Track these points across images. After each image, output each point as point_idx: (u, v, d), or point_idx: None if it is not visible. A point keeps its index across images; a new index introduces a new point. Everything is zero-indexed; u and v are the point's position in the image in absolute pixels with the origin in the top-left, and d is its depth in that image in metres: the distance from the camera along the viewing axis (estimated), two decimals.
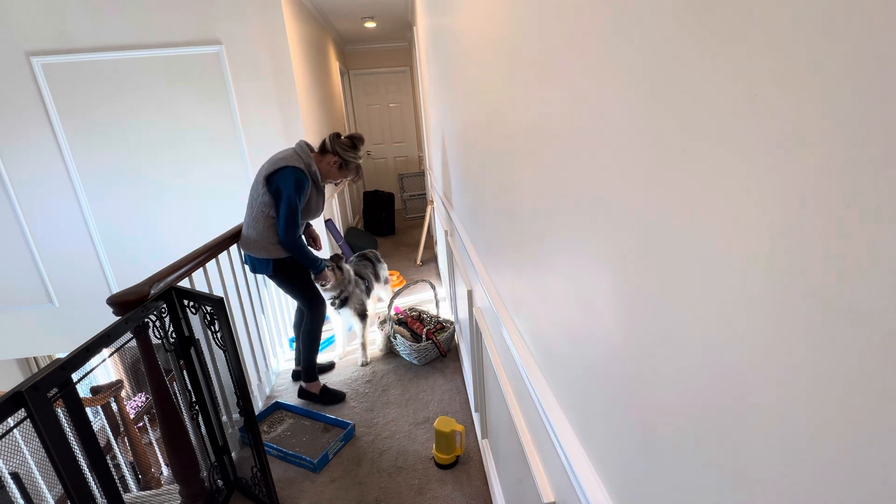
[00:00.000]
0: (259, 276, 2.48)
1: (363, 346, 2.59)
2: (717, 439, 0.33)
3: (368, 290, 2.65)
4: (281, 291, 2.84)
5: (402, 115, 6.46)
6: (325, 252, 2.89)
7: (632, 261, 0.42)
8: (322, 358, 2.55)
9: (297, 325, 2.39)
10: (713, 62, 0.29)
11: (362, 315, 2.53)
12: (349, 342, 2.77)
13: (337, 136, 2.05)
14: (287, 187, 1.87)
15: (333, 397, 2.27)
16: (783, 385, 0.26)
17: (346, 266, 2.43)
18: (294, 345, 2.83)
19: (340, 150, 2.03)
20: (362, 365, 2.58)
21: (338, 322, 2.63)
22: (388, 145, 6.58)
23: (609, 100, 0.43)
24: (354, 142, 2.07)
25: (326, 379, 2.46)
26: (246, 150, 3.24)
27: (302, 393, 2.31)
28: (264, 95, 3.16)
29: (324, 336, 2.67)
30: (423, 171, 5.88)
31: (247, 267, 2.26)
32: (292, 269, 2.07)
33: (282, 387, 2.46)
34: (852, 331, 0.21)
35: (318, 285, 2.22)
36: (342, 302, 2.41)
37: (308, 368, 2.24)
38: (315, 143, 3.05)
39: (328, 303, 2.36)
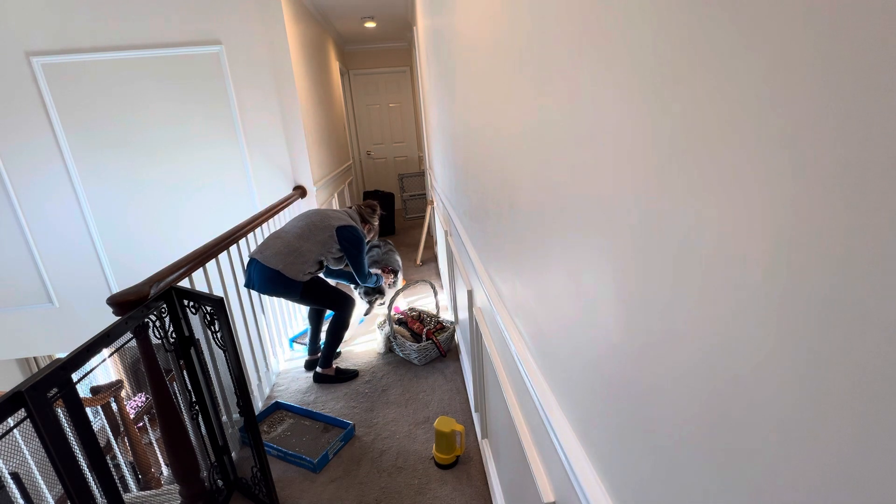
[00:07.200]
0: None
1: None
2: (717, 439, 0.33)
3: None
4: None
5: (402, 115, 6.46)
6: None
7: (631, 261, 0.42)
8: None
9: (313, 317, 2.58)
10: (713, 62, 0.29)
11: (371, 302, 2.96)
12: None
13: (369, 207, 2.62)
14: (359, 244, 2.36)
15: (347, 375, 2.48)
16: (784, 385, 0.26)
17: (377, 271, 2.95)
18: (293, 345, 2.85)
19: (372, 221, 2.58)
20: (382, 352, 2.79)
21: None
22: (388, 145, 6.58)
23: (608, 100, 0.43)
24: (376, 209, 2.65)
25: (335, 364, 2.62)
26: (245, 150, 3.24)
27: (318, 377, 2.46)
28: (264, 95, 3.16)
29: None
30: (423, 171, 5.88)
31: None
32: (316, 285, 2.31)
33: (282, 387, 2.46)
34: (853, 331, 0.21)
35: (386, 286, 2.92)
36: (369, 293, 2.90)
37: (327, 355, 2.44)
38: (315, 144, 3.02)
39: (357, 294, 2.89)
